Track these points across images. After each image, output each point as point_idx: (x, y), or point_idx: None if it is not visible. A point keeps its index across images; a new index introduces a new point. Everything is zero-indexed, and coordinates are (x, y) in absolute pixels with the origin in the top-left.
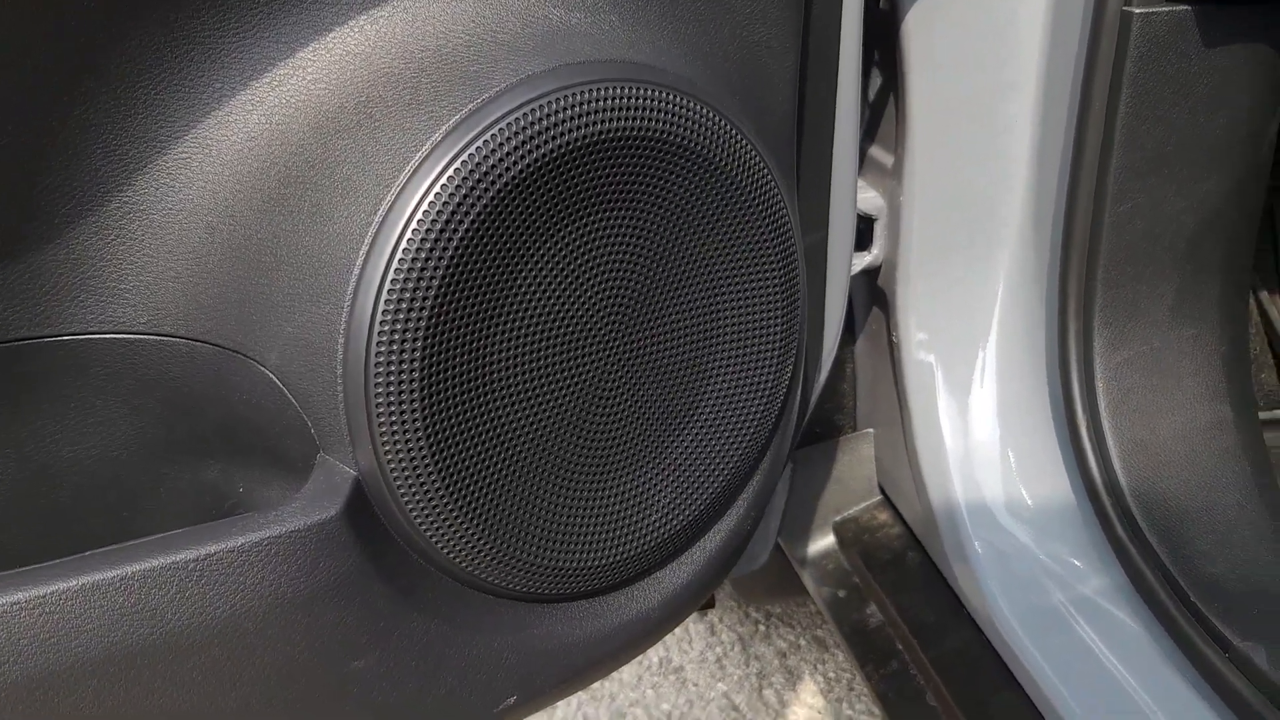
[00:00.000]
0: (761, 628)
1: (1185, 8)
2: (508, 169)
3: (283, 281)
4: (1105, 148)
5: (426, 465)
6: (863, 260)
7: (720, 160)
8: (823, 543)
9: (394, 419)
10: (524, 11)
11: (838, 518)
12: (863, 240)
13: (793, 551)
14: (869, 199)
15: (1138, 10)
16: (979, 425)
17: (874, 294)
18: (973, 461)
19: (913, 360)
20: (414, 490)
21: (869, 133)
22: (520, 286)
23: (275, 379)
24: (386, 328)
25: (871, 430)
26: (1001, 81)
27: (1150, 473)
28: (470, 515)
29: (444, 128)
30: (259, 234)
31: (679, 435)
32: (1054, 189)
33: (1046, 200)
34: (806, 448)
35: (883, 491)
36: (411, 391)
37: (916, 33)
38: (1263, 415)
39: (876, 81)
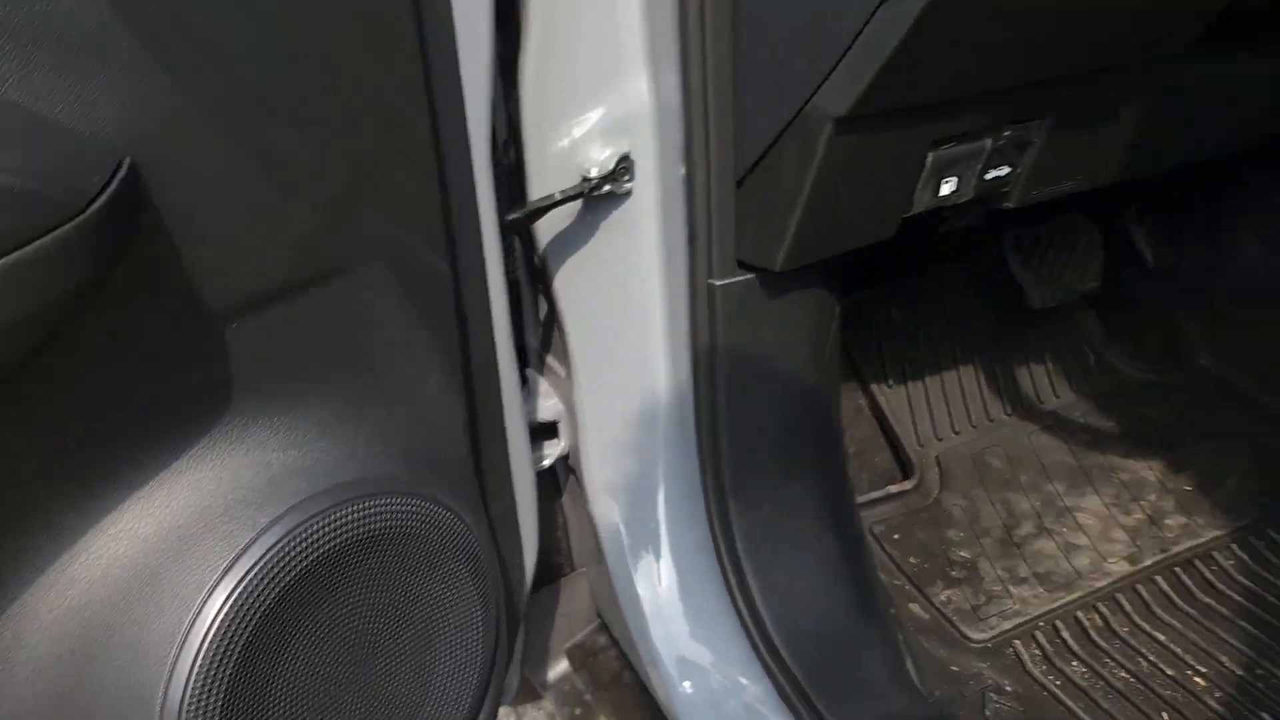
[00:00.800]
0: None
1: (751, 276)
2: (258, 608)
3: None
4: (711, 376)
5: None
6: (555, 450)
7: (423, 532)
8: (559, 668)
9: None
10: (254, 463)
11: (568, 644)
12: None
13: (535, 678)
14: (551, 406)
15: (718, 283)
16: (662, 575)
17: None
18: (660, 602)
19: (604, 524)
20: None
21: (545, 344)
22: (284, 670)
23: None
24: None
25: (585, 569)
26: (636, 324)
27: (781, 603)
28: None
29: (207, 587)
30: (78, 685)
31: (417, 716)
32: (690, 400)
33: (686, 408)
34: (537, 592)
35: (600, 617)
36: None
37: (564, 288)
38: (874, 494)
39: (544, 306)
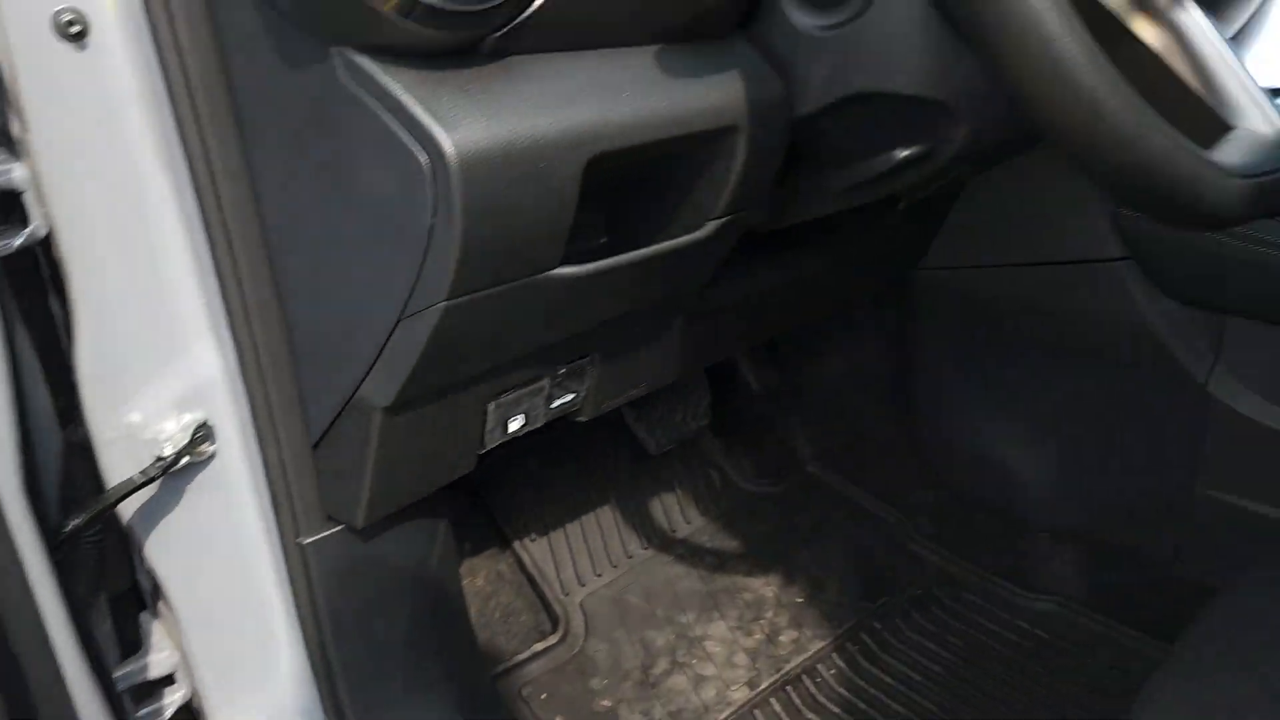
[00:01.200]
0: None
1: (340, 528)
2: None
3: None
4: (317, 621)
5: None
6: (176, 697)
7: None
8: None
9: None
10: None
11: None
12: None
13: None
14: (163, 659)
15: (305, 541)
16: None
17: None
18: None
19: None
20: None
21: (156, 590)
22: None
23: None
24: None
25: None
26: (239, 580)
27: None
28: None
29: None
30: None
31: None
32: (300, 643)
33: (299, 652)
34: None
35: None
36: None
37: (156, 553)
38: (521, 655)
39: None
